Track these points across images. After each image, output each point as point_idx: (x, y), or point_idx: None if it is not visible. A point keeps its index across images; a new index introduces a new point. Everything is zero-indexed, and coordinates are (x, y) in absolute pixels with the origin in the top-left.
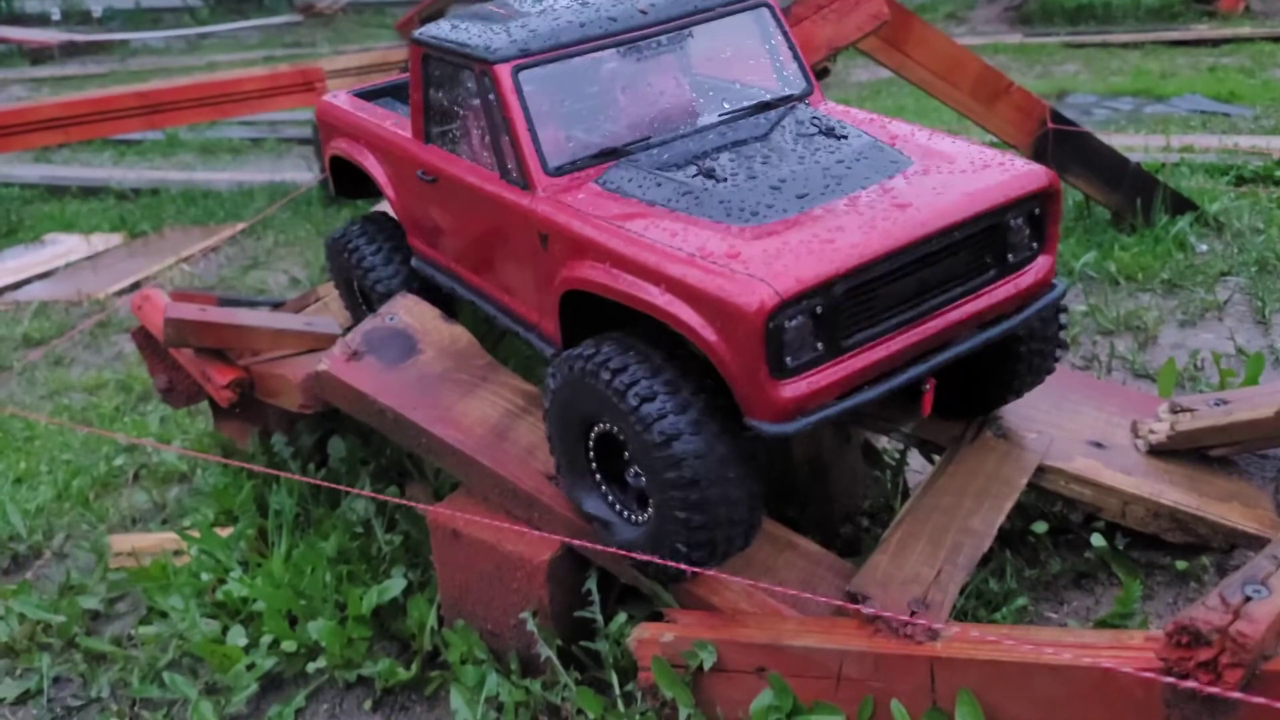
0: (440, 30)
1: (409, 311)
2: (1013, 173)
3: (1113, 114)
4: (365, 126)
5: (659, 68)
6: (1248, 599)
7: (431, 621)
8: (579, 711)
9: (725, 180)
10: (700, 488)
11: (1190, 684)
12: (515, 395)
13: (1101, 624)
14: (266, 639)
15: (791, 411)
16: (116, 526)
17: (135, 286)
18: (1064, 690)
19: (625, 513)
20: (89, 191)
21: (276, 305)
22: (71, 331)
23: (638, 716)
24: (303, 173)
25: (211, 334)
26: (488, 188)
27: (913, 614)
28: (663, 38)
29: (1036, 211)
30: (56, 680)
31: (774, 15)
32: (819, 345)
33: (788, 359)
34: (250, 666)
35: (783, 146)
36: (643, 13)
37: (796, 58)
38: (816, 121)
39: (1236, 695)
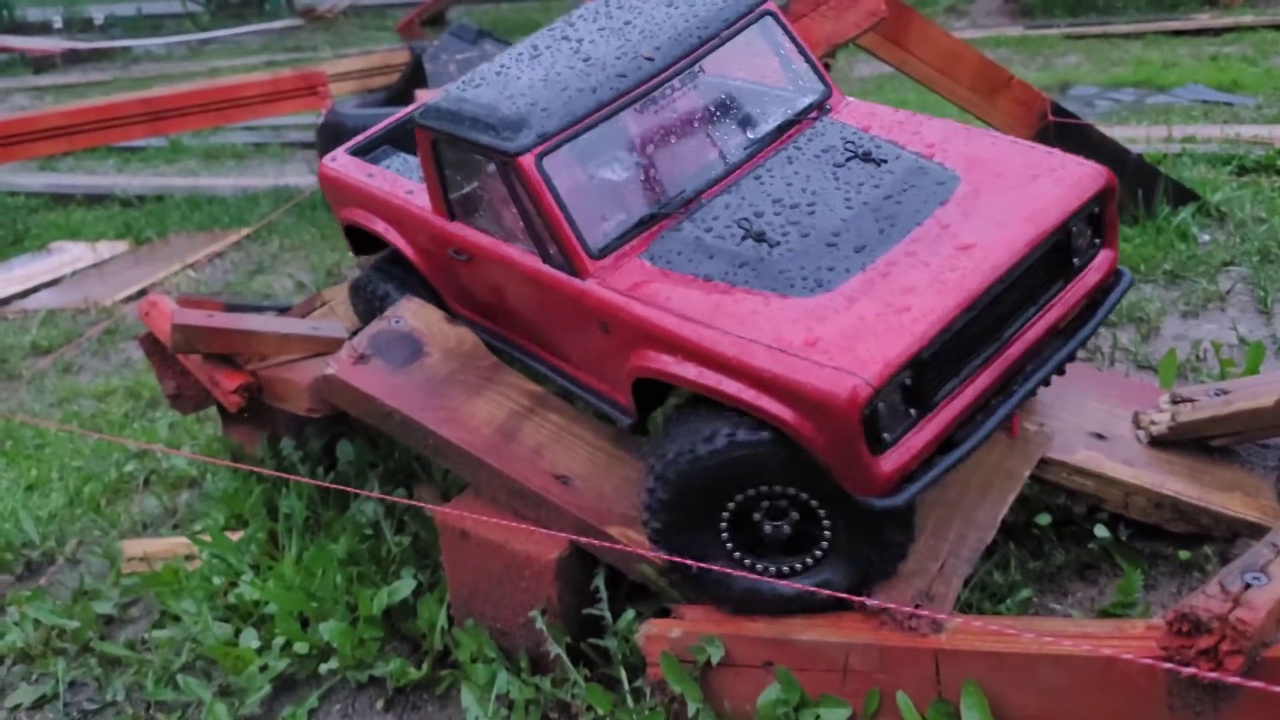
0: (442, 112)
1: (415, 315)
2: (1069, 181)
3: (1115, 105)
4: (381, 199)
5: (677, 113)
6: (1247, 586)
7: (442, 621)
8: (589, 708)
9: (779, 244)
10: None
11: (1191, 671)
12: (521, 396)
13: (1104, 614)
14: (279, 641)
15: (897, 481)
16: (128, 532)
17: (142, 293)
18: (1068, 679)
19: (786, 568)
20: (94, 199)
21: (282, 310)
22: (79, 339)
23: (647, 712)
24: (306, 177)
25: (218, 339)
26: (533, 272)
27: (917, 606)
28: (675, 80)
29: (1096, 210)
30: (72, 685)
31: (778, 22)
32: (911, 412)
33: (885, 435)
34: (263, 668)
35: (824, 185)
36: (649, 59)
37: (809, 61)
38: (850, 145)
39: (1237, 681)
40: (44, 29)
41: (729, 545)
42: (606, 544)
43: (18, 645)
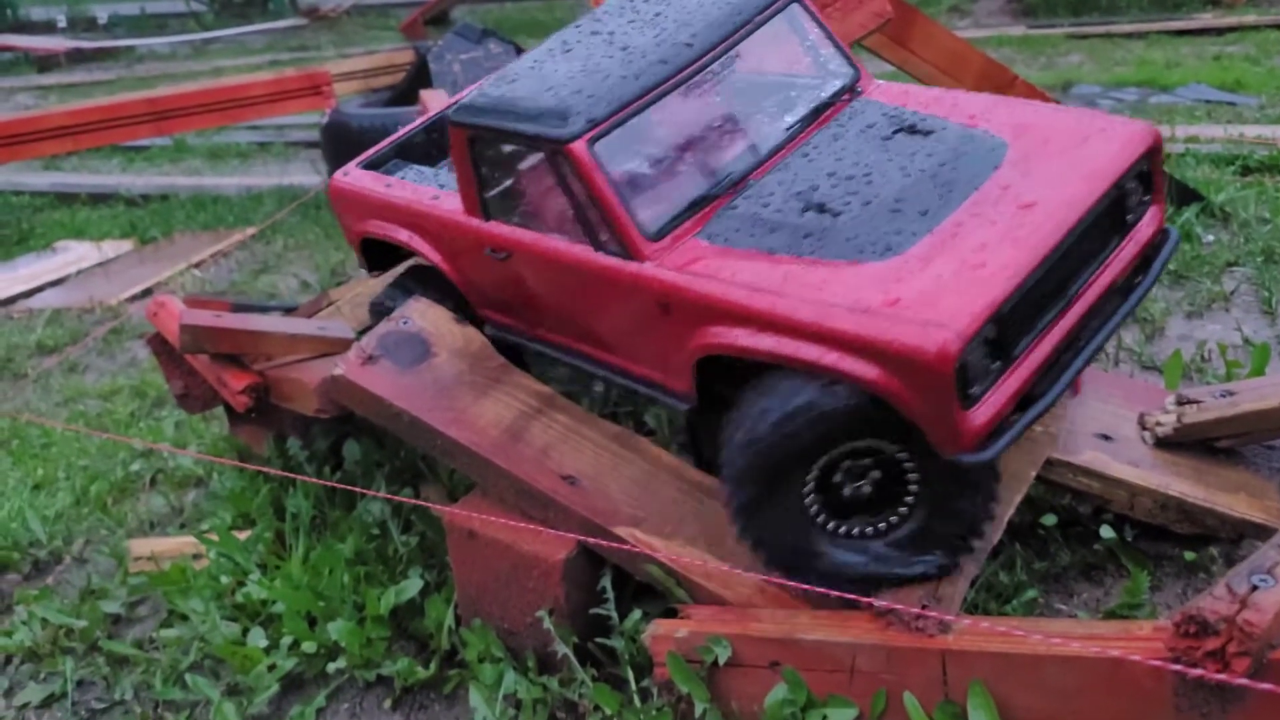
0: (481, 108)
1: (422, 315)
2: (1121, 138)
3: (1117, 105)
4: (404, 207)
5: (717, 97)
6: (1254, 588)
7: (449, 621)
8: (596, 708)
9: (841, 213)
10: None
11: (1198, 673)
12: (529, 396)
13: (1110, 615)
14: (286, 640)
15: (985, 436)
16: (135, 531)
17: (147, 293)
18: (1074, 680)
19: (874, 529)
20: (98, 198)
21: (289, 310)
22: (85, 339)
23: (654, 712)
24: (310, 176)
25: (226, 340)
26: (582, 261)
27: (924, 607)
28: (714, 65)
29: (1145, 167)
30: (80, 683)
31: (805, 9)
32: (995, 365)
33: (973, 389)
34: (271, 667)
35: (876, 158)
36: (688, 45)
37: (837, 46)
38: (892, 119)
39: (1244, 683)
40: (48, 28)
41: (814, 511)
42: (614, 544)
43: (25, 644)
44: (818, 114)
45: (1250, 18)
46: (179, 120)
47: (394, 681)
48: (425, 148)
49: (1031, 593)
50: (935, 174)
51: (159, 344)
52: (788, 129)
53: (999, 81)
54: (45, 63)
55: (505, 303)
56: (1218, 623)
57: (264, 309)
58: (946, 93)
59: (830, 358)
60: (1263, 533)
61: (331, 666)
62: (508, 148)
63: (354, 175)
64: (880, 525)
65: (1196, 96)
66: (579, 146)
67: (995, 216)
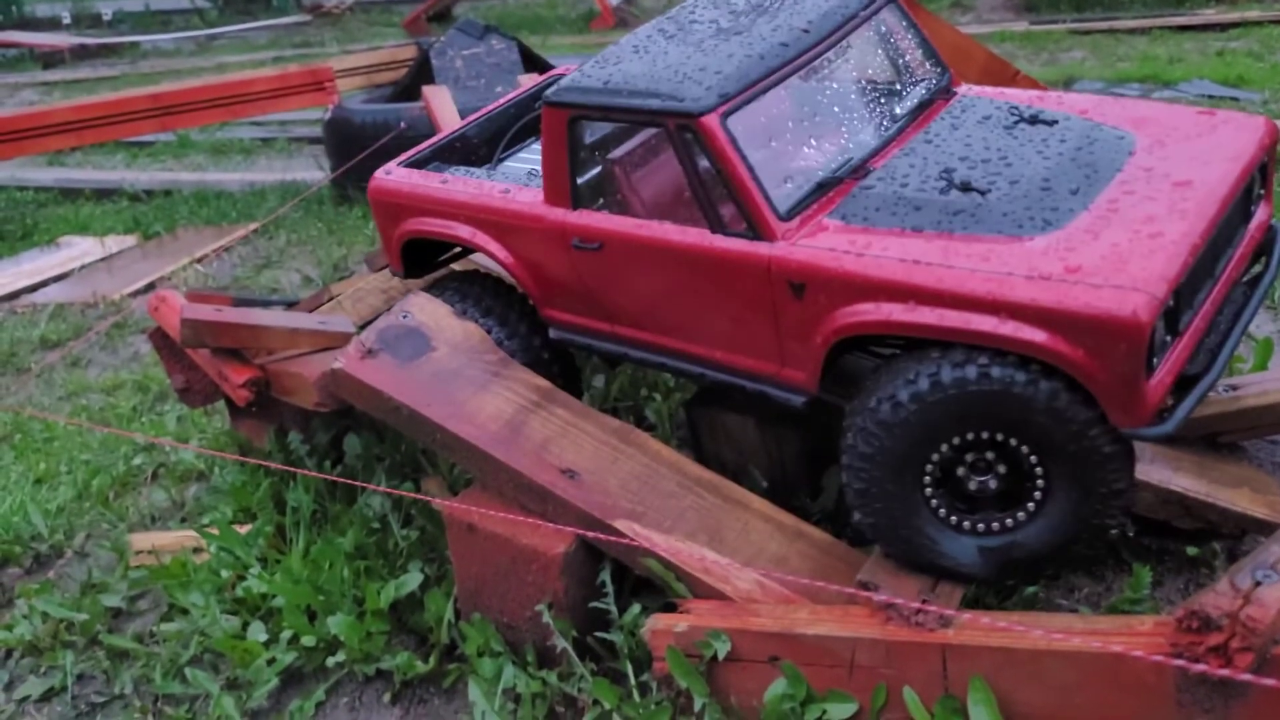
0: (587, 87)
1: (422, 309)
2: (1250, 126)
3: (1130, 99)
4: (467, 202)
5: (836, 84)
6: (1257, 584)
7: (449, 615)
8: (595, 702)
9: (989, 191)
10: (1131, 451)
11: (1201, 668)
12: (528, 390)
13: (1112, 610)
14: (286, 634)
15: (1160, 408)
16: (136, 525)
17: (150, 288)
18: (1076, 676)
19: (992, 524)
20: (102, 194)
21: (290, 305)
22: (88, 333)
23: (653, 706)
24: (313, 172)
25: (227, 334)
26: (696, 246)
27: (924, 602)
28: (830, 53)
29: (1264, 161)
30: (80, 677)
31: (901, 10)
32: (1168, 337)
33: (1155, 359)
34: (271, 661)
35: (1006, 143)
36: (805, 31)
37: (930, 46)
38: (1009, 111)
39: (1247, 678)
40: (52, 24)
41: (933, 501)
42: (613, 538)
43: (26, 638)
44: (923, 108)
45: (1254, 13)
46: (182, 116)
47: (394, 675)
48: (464, 151)
49: (1032, 588)
50: (1074, 157)
51: (160, 338)
52: (900, 119)
53: (1000, 77)
54: (50, 59)
55: (584, 300)
56: (1220, 618)
57: (265, 303)
58: (1046, 93)
59: (1007, 328)
60: (1265, 528)
61: (331, 660)
62: (613, 129)
63: (399, 173)
64: (1007, 522)
65: (1199, 92)
66: (712, 120)
67: (1152, 194)
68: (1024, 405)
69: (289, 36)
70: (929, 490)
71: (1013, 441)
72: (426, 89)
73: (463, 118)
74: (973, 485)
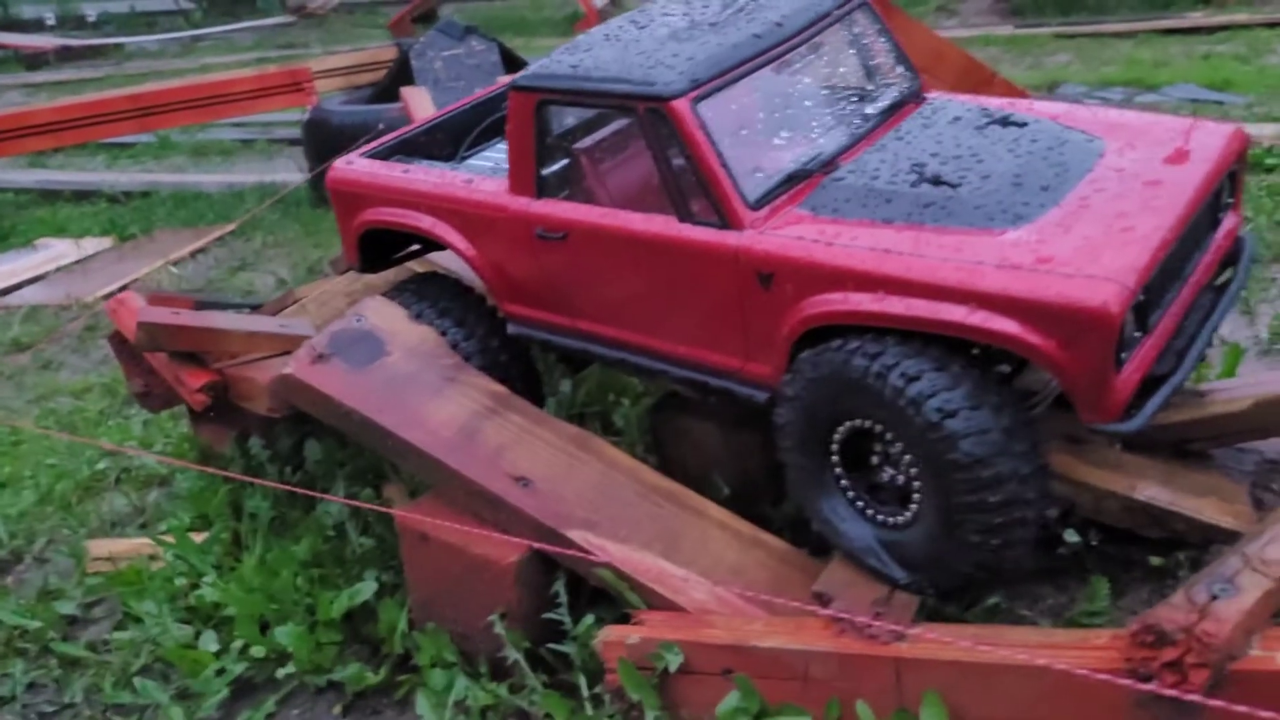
0: (556, 73)
1: (377, 313)
2: (1220, 133)
3: (1104, 104)
4: (429, 191)
5: (805, 79)
6: (1214, 597)
7: (402, 625)
8: (546, 715)
9: (960, 185)
10: (986, 464)
11: (1153, 688)
12: (484, 396)
13: (1070, 623)
14: (238, 644)
15: (1127, 404)
16: (97, 531)
17: (124, 290)
18: (1030, 690)
19: (876, 515)
20: (81, 195)
21: (255, 308)
22: (56, 334)
23: (605, 719)
24: (293, 174)
25: (184, 337)
26: (663, 235)
27: (877, 615)
28: (803, 48)
29: (1236, 168)
30: (31, 686)
31: (873, 13)
32: (1138, 332)
33: (1124, 353)
34: (221, 671)
35: (977, 142)
36: (779, 25)
37: (901, 51)
38: (980, 113)
39: (1195, 699)
40: (37, 26)
41: (843, 481)
42: (565, 549)
43: None
44: (894, 110)
45: (1241, 16)
46: (161, 117)
47: (345, 687)
48: (428, 147)
49: (994, 599)
50: (1045, 156)
51: (119, 341)
52: (871, 119)
53: (977, 79)
54: (34, 60)
55: (546, 293)
56: (1175, 633)
57: (228, 306)
58: (1017, 100)
59: (977, 318)
60: (1231, 537)
61: (281, 672)
62: (580, 117)
63: (360, 163)
64: (895, 519)
65: (1184, 96)
66: (682, 104)
67: (1123, 191)
68: (879, 394)
69: (273, 38)
70: (838, 470)
71: (887, 434)
72: (405, 90)
73: None
74: (884, 475)
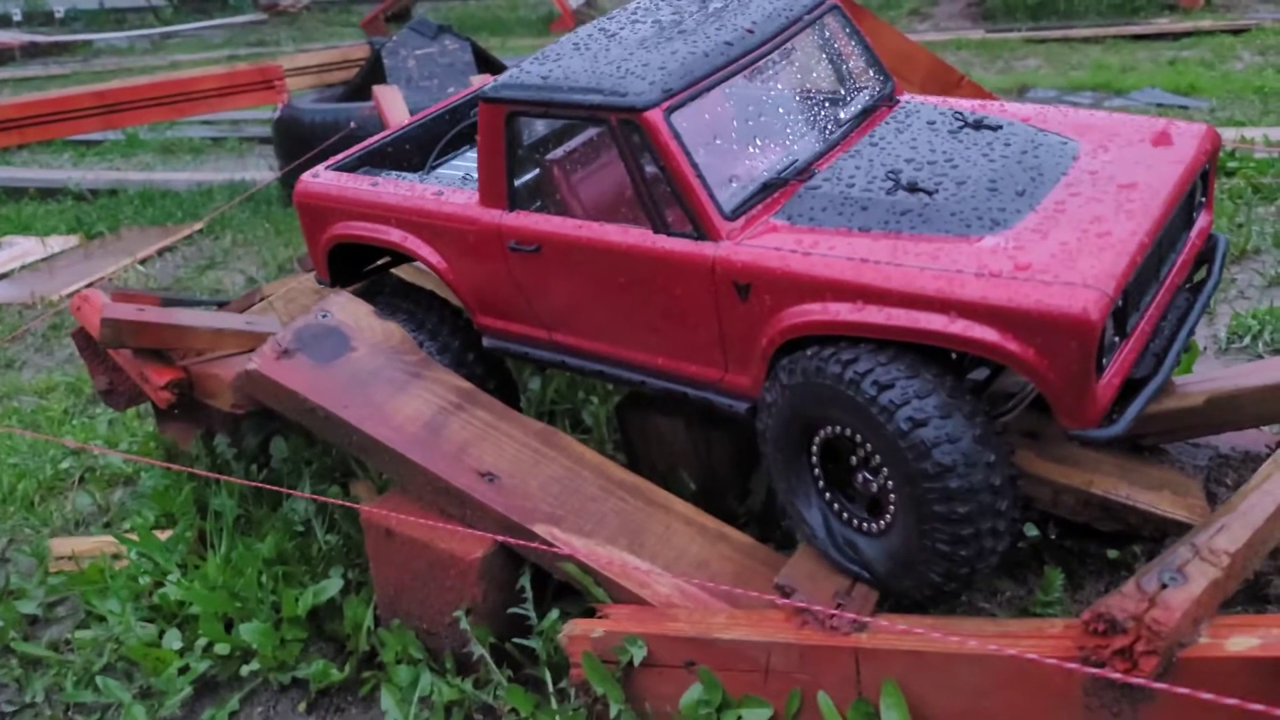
0: (526, 83)
1: (343, 308)
2: (1191, 134)
3: (1072, 108)
4: (399, 204)
5: (781, 85)
6: (1164, 586)
7: (368, 621)
8: (512, 710)
9: (937, 191)
10: (957, 474)
11: (1102, 672)
12: (449, 392)
13: (1025, 613)
14: (201, 642)
15: (1108, 410)
16: (60, 530)
17: (90, 287)
18: (986, 679)
19: (854, 521)
20: (47, 193)
21: (221, 305)
22: (20, 332)
23: (570, 713)
24: (263, 172)
25: (149, 334)
26: (638, 247)
27: (838, 606)
28: (774, 55)
29: (1208, 167)
30: None
31: (844, 16)
32: (1117, 338)
33: (1104, 359)
34: (184, 670)
35: (951, 146)
36: (750, 32)
37: (873, 54)
38: (954, 117)
39: (1144, 683)
40: (3, 21)
41: (820, 482)
42: (531, 543)
43: None
44: (867, 114)
45: (1206, 22)
46: (127, 114)
47: (309, 684)
48: (396, 157)
49: None
50: (1020, 160)
51: (83, 339)
52: (844, 124)
53: (946, 82)
54: (0, 57)
55: (520, 306)
56: (1126, 621)
57: (195, 304)
58: (989, 102)
59: (957, 327)
60: (1185, 530)
61: (245, 669)
62: (552, 127)
63: (327, 176)
64: (873, 526)
65: (1150, 100)
66: (655, 115)
67: (1098, 195)
68: (852, 402)
69: (244, 35)
70: (817, 476)
71: (861, 441)
72: (378, 88)
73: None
74: (859, 480)
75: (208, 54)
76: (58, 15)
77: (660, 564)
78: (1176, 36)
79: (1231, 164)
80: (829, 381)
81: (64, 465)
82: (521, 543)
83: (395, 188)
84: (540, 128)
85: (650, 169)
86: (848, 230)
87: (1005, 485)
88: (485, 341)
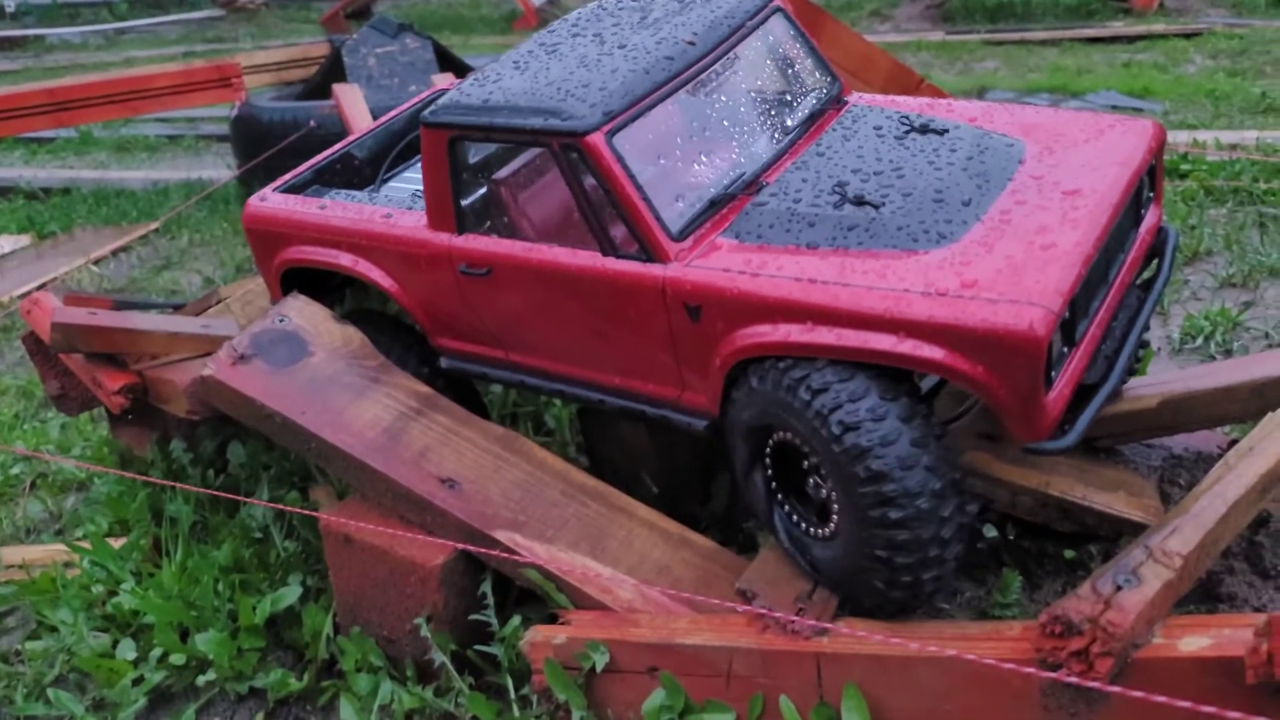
0: (467, 106)
1: (300, 313)
2: (1136, 130)
3: (1019, 105)
4: (348, 229)
5: (724, 98)
6: (1119, 588)
7: (327, 629)
8: (473, 717)
9: (882, 205)
10: (891, 478)
11: (1058, 675)
12: (408, 397)
13: (983, 615)
14: (156, 652)
15: (1059, 422)
16: (10, 538)
17: (42, 289)
18: (945, 682)
19: (805, 526)
20: None
21: (177, 308)
22: None
23: None
24: (220, 171)
25: (101, 338)
26: (588, 269)
27: (799, 611)
28: (717, 65)
29: (1154, 162)
30: None
31: (789, 19)
32: (1065, 348)
33: (1053, 371)
34: (138, 681)
35: (898, 154)
36: (691, 44)
37: (819, 55)
38: (900, 121)
39: (1097, 686)
40: None
41: (771, 481)
42: (492, 550)
43: None
44: (814, 120)
45: (1159, 26)
46: (80, 112)
47: (267, 694)
48: (345, 174)
49: None
50: (965, 167)
51: (34, 343)
52: (791, 131)
53: (905, 83)
54: None
55: (475, 328)
56: (1082, 623)
57: (149, 306)
58: (936, 101)
59: (905, 346)
60: (1140, 530)
61: (201, 679)
62: (496, 149)
63: (274, 199)
64: (821, 531)
65: (1105, 102)
66: (597, 139)
67: (1043, 203)
68: (792, 407)
69: (201, 32)
70: (771, 480)
71: (804, 447)
72: (337, 87)
73: (375, 117)
74: (810, 485)
75: (163, 50)
76: (9, 9)
77: (622, 569)
78: (1131, 40)
79: (1184, 167)
80: (771, 388)
81: (14, 471)
82: (483, 549)
83: (344, 211)
84: (485, 148)
85: (595, 192)
86: (796, 248)
87: (947, 489)
88: (443, 363)
